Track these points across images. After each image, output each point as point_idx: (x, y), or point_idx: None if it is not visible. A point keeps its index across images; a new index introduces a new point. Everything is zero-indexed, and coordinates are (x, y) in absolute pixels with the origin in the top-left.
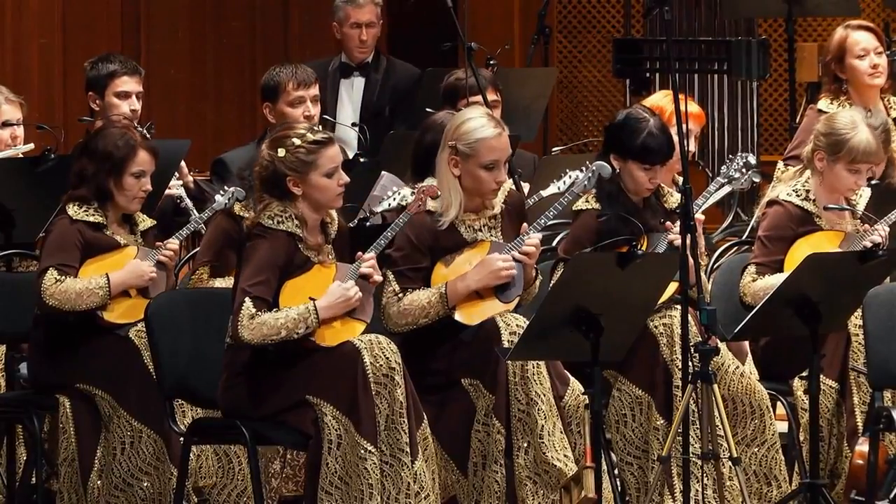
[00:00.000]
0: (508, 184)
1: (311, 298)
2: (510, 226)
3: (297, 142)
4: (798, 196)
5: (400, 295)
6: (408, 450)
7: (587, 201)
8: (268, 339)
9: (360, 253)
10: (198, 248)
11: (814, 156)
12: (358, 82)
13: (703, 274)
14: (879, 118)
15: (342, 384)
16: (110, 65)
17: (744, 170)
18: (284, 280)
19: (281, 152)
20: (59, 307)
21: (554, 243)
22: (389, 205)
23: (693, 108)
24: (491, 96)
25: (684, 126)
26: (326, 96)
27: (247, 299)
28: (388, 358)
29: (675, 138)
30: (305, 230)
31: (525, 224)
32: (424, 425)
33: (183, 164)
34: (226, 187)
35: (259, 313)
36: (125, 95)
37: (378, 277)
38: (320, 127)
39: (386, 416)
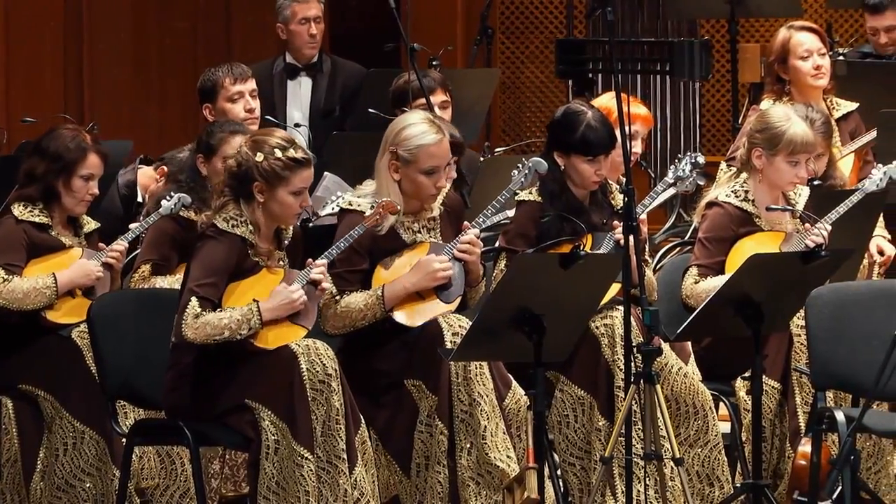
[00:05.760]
0: (447, 186)
1: (254, 300)
2: (449, 227)
3: (279, 153)
4: (737, 197)
5: (337, 297)
6: (344, 456)
7: (530, 193)
8: (211, 339)
9: (310, 260)
10: (138, 250)
11: (751, 154)
12: (305, 83)
13: (651, 274)
14: (820, 112)
15: (279, 390)
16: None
17: (692, 170)
18: (230, 282)
19: (259, 157)
20: (7, 307)
21: (497, 243)
22: (333, 209)
23: (641, 110)
24: (441, 97)
25: (630, 127)
26: (274, 97)
27: (193, 299)
28: (324, 364)
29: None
30: (258, 236)
31: (466, 222)
32: (362, 429)
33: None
34: (172, 192)
35: (203, 313)
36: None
37: (327, 285)
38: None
39: (322, 423)
